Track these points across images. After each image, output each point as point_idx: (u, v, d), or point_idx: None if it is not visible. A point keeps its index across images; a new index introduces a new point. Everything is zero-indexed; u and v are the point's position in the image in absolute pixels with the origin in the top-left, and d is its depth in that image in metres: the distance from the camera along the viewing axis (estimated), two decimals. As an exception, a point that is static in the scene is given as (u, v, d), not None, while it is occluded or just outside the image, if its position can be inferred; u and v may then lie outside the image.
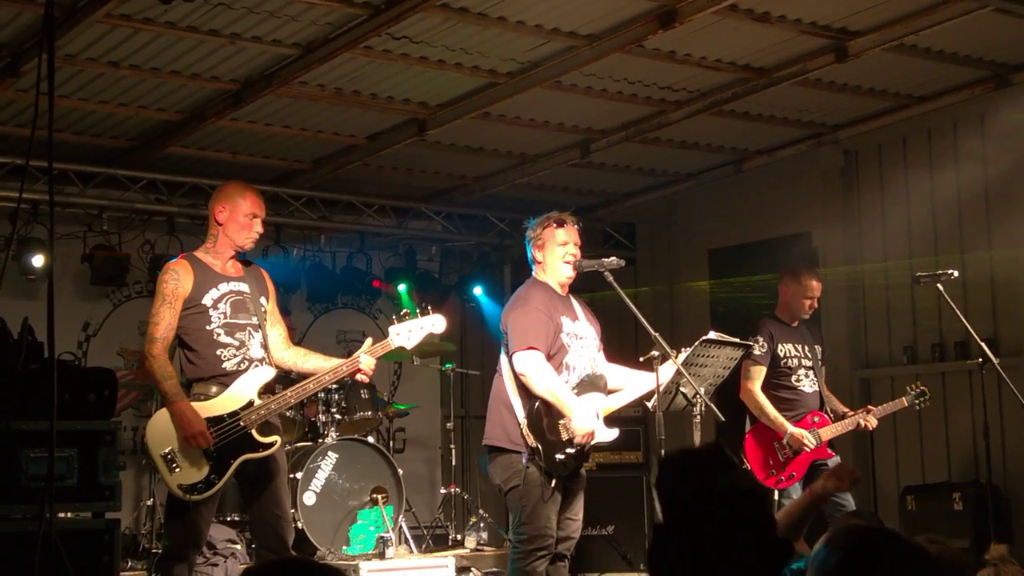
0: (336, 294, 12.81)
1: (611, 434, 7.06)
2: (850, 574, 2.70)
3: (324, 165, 11.64)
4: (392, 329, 6.89)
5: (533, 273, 7.24)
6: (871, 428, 8.81)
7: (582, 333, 7.10)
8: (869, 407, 8.79)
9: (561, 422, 6.76)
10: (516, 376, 6.87)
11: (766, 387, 8.55)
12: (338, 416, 10.13)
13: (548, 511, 6.82)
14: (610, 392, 7.20)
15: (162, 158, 11.06)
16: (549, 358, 6.86)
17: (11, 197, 9.75)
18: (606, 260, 7.16)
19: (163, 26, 8.23)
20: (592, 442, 6.90)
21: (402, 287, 12.66)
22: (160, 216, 11.44)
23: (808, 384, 8.66)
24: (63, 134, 10.21)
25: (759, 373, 8.56)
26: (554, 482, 6.80)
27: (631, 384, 7.29)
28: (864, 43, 8.82)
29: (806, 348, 8.71)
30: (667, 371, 6.93)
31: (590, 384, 7.01)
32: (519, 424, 6.82)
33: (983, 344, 8.41)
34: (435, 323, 6.94)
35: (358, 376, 6.83)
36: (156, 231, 11.53)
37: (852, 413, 8.73)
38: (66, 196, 10.72)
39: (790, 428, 8.43)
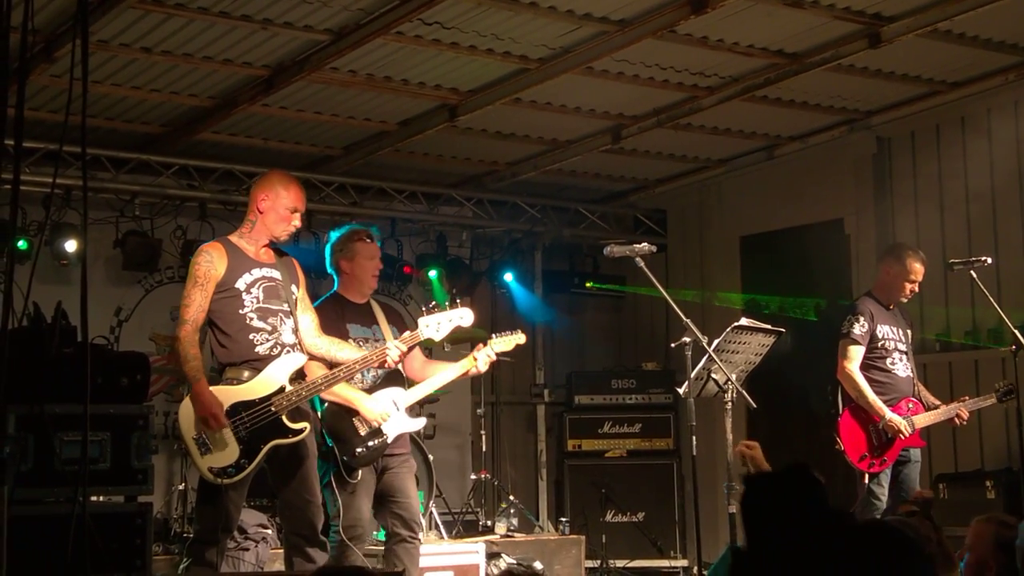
0: (367, 280, 12.81)
1: (416, 424, 7.49)
2: None
3: (355, 151, 11.64)
4: (421, 321, 6.99)
5: (336, 284, 7.56)
6: (964, 421, 8.69)
7: (379, 335, 7.42)
8: (965, 397, 8.70)
9: (355, 417, 7.13)
10: None
11: (860, 368, 8.44)
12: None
13: (356, 504, 7.14)
14: (412, 385, 7.47)
15: (194, 144, 11.09)
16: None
17: (44, 182, 9.73)
18: (637, 246, 7.19)
19: (196, 12, 8.25)
20: (396, 432, 7.24)
21: (433, 273, 12.66)
22: (192, 202, 11.46)
23: (902, 368, 8.55)
24: (96, 120, 10.26)
25: (858, 353, 8.42)
26: (359, 475, 7.11)
27: (432, 376, 7.54)
28: (897, 28, 8.77)
29: (900, 331, 8.62)
30: (493, 347, 7.41)
31: (387, 381, 7.31)
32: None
33: (1016, 331, 8.38)
34: (463, 316, 7.05)
35: (386, 363, 6.94)
36: (188, 217, 11.55)
37: (943, 404, 8.64)
38: (99, 182, 10.76)
39: (888, 414, 8.29)
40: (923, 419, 8.47)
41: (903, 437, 8.32)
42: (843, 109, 10.86)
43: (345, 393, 7.08)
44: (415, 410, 7.60)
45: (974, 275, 8.44)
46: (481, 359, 7.37)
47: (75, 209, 10.55)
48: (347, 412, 7.10)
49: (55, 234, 10.57)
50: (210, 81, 9.66)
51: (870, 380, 8.41)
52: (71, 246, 10.62)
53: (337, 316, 7.29)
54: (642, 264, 7.12)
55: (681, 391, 7.30)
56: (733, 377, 7.19)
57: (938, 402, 8.68)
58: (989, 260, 8.54)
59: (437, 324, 6.99)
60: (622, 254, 7.20)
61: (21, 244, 10.29)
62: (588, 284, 13.55)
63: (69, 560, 4.57)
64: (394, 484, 7.29)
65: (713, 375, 7.22)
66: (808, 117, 11.06)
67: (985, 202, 10.43)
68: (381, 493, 7.27)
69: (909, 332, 8.72)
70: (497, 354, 7.43)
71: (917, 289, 8.66)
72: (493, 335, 7.51)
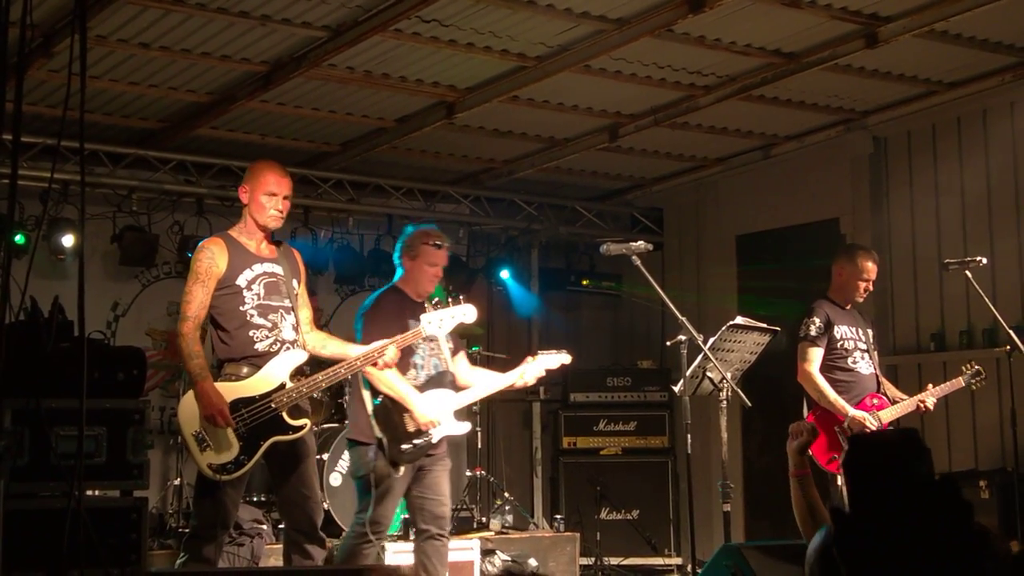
0: (363, 276, 12.82)
1: (462, 428, 7.43)
2: None
3: (353, 148, 11.65)
4: (424, 317, 6.97)
5: (396, 276, 7.53)
6: (930, 410, 8.68)
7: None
8: (929, 386, 8.70)
9: (406, 415, 7.11)
10: (364, 373, 7.15)
11: (823, 370, 8.45)
12: (365, 398, 10.15)
13: (389, 501, 7.17)
14: (460, 389, 7.47)
15: (192, 139, 11.10)
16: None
17: (42, 177, 9.76)
18: (634, 244, 7.20)
19: (194, 7, 8.25)
20: (442, 434, 7.24)
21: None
22: (189, 197, 11.47)
23: (864, 366, 8.55)
24: (94, 115, 10.27)
25: (816, 355, 8.42)
26: (401, 471, 7.11)
27: (482, 383, 7.57)
28: (895, 29, 8.78)
29: (860, 331, 8.64)
30: (542, 362, 7.45)
31: (436, 381, 7.33)
32: (369, 417, 7.14)
33: (1011, 332, 8.39)
34: (466, 313, 7.04)
35: (378, 363, 6.90)
36: (185, 212, 11.56)
37: (907, 396, 8.65)
38: (96, 177, 10.77)
39: (851, 411, 8.28)
40: (888, 413, 8.47)
41: (870, 430, 8.31)
42: (840, 109, 10.87)
43: (401, 390, 7.08)
44: (461, 414, 7.57)
45: (969, 275, 8.44)
46: (530, 374, 7.42)
47: (73, 204, 10.55)
48: (399, 407, 7.09)
49: (52, 229, 10.57)
50: (208, 77, 9.67)
51: (833, 381, 8.42)
52: (68, 241, 10.63)
53: (399, 309, 7.27)
54: (638, 262, 7.13)
55: (676, 389, 7.31)
56: (728, 375, 7.21)
57: (905, 396, 8.68)
58: (984, 260, 8.55)
59: (440, 320, 6.96)
60: (618, 252, 7.21)
61: (19, 239, 10.32)
62: (584, 282, 13.56)
63: (65, 554, 4.58)
64: (428, 481, 7.29)
65: (708, 373, 7.24)
66: (805, 117, 11.07)
67: (981, 202, 10.44)
68: (414, 489, 7.27)
69: (870, 331, 8.72)
70: (546, 371, 7.47)
71: (872, 288, 8.66)
72: (540, 352, 7.56)
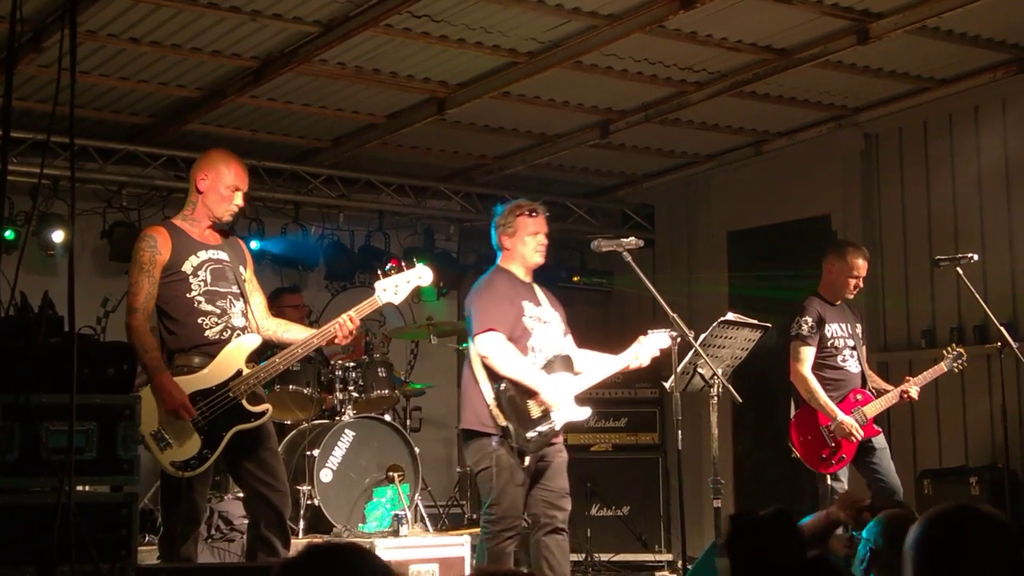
0: (354, 272, 12.82)
1: (583, 413, 7.20)
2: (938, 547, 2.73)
3: (343, 143, 11.64)
4: (378, 285, 6.76)
5: (498, 259, 7.36)
6: (915, 399, 8.69)
7: (546, 317, 7.27)
8: (908, 378, 8.70)
9: (530, 400, 6.94)
10: (481, 358, 6.98)
11: (813, 368, 8.46)
12: (355, 394, 10.14)
13: (517, 492, 6.98)
14: (576, 374, 7.28)
15: (182, 135, 11.08)
16: (513, 341, 6.99)
17: (32, 172, 9.75)
18: (625, 240, 7.19)
19: (184, 2, 8.23)
20: (564, 419, 7.04)
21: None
22: (179, 193, 11.40)
23: (852, 364, 8.57)
24: (84, 110, 10.24)
25: (809, 354, 8.43)
26: (527, 461, 6.93)
27: (597, 366, 7.38)
28: (886, 25, 8.78)
29: (848, 327, 8.64)
30: (654, 341, 7.14)
31: (557, 364, 7.15)
32: (488, 406, 6.95)
33: (1002, 328, 8.42)
34: (421, 275, 6.81)
35: (336, 340, 6.66)
36: (175, 208, 11.45)
37: (892, 388, 8.66)
38: (86, 172, 10.74)
39: (839, 416, 8.30)
40: (873, 408, 8.49)
41: (854, 440, 8.33)
42: (831, 105, 10.87)
43: (527, 372, 6.93)
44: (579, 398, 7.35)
45: (960, 272, 8.46)
46: (645, 355, 7.26)
47: (62, 199, 10.54)
48: (523, 394, 6.94)
49: (42, 224, 10.57)
50: (198, 72, 9.65)
51: (822, 379, 8.44)
52: (58, 236, 10.62)
53: (511, 289, 7.14)
54: (629, 259, 7.12)
55: (667, 385, 7.31)
56: (719, 372, 7.20)
57: (889, 387, 8.69)
58: (975, 257, 8.57)
59: (395, 287, 6.74)
60: (609, 248, 7.20)
61: (8, 234, 10.30)
62: (575, 278, 13.55)
63: (55, 550, 4.57)
64: (549, 472, 7.14)
65: (699, 370, 7.23)
66: (796, 113, 11.07)
67: (972, 199, 10.46)
68: (534, 480, 7.12)
69: (859, 326, 8.73)
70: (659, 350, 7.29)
71: (862, 285, 8.68)
72: (649, 330, 7.32)
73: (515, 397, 6.93)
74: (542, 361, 7.10)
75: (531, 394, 6.95)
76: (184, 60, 9.34)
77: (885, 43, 9.02)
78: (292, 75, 9.58)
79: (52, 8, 8.23)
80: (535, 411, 6.95)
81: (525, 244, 7.25)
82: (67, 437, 4.75)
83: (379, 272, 6.88)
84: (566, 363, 7.22)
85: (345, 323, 6.60)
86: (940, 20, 8.70)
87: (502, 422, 6.88)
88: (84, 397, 5.13)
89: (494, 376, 6.95)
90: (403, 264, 6.90)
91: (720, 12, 8.53)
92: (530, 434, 6.90)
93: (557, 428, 7.05)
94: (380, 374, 10.48)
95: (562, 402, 6.99)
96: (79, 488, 5.53)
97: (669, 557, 11.79)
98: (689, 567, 7.59)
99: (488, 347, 6.94)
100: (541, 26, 8.83)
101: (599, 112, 10.95)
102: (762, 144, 11.99)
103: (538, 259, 7.28)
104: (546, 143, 11.83)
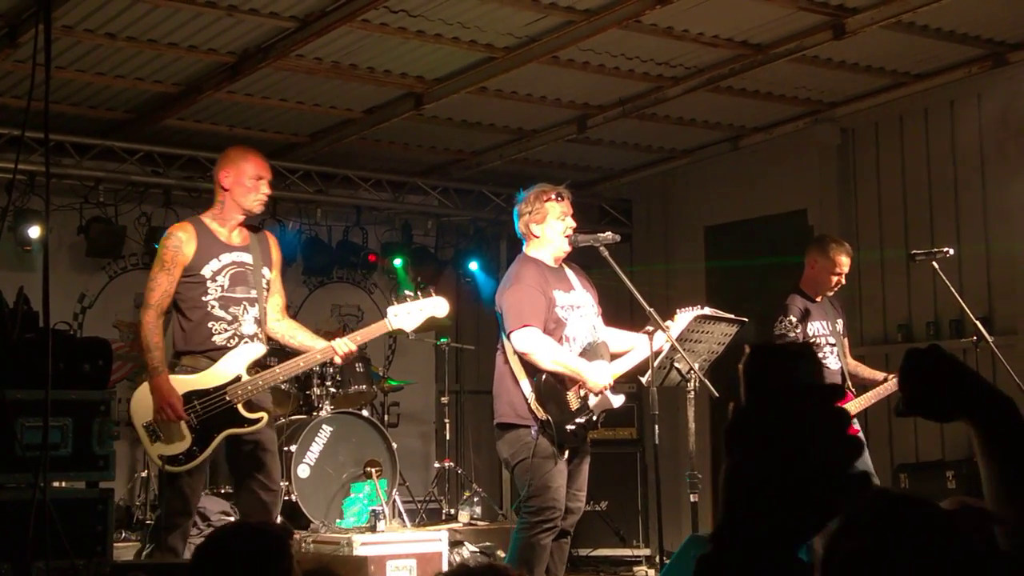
0: (332, 268, 12.83)
1: (619, 400, 7.13)
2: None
3: (321, 139, 11.63)
4: (391, 310, 6.88)
5: (524, 248, 7.26)
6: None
7: (578, 302, 7.16)
8: (888, 375, 8.70)
9: (569, 392, 6.85)
10: (518, 354, 6.90)
11: None
12: (333, 389, 10.15)
13: (557, 483, 6.86)
14: (613, 358, 7.20)
15: (159, 130, 11.05)
16: (548, 335, 6.90)
17: (7, 168, 9.73)
18: (601, 235, 7.17)
19: (160, -3, 8.23)
20: (602, 408, 6.97)
21: (398, 262, 12.68)
22: (156, 188, 11.43)
23: (832, 361, 8.54)
24: (60, 105, 10.20)
25: None
26: (566, 453, 6.88)
27: (629, 351, 7.30)
28: (862, 20, 8.81)
29: (829, 324, 8.63)
30: (659, 340, 7.03)
31: (592, 353, 7.06)
32: (526, 399, 6.87)
33: (978, 323, 8.44)
34: (437, 306, 6.93)
35: (334, 359, 6.85)
36: (152, 203, 11.53)
37: (883, 374, 8.65)
38: (62, 168, 10.71)
39: None
40: (854, 406, 8.48)
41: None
42: (807, 100, 10.90)
43: (572, 363, 6.84)
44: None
45: (936, 266, 8.47)
46: (675, 332, 7.09)
47: (38, 195, 10.51)
48: (561, 385, 6.86)
49: (18, 220, 10.53)
50: (175, 67, 9.63)
51: None
52: (34, 232, 10.58)
53: (541, 279, 7.01)
54: (606, 253, 7.11)
55: (644, 380, 7.31)
56: (696, 366, 7.21)
57: (880, 375, 8.67)
58: (951, 251, 8.58)
59: (407, 313, 6.86)
60: (586, 243, 7.18)
61: (-16, 230, 10.25)
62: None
63: (30, 546, 4.56)
64: (571, 471, 7.04)
65: (676, 364, 7.24)
66: (773, 108, 11.10)
67: (948, 194, 10.49)
68: None
69: (840, 321, 8.72)
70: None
71: (844, 281, 8.66)
72: (678, 310, 7.28)
73: (556, 389, 6.86)
74: (578, 350, 7.01)
75: (569, 385, 6.88)
76: (161, 55, 9.32)
77: (861, 38, 9.04)
78: (269, 70, 9.56)
79: (27, 3, 8.20)
80: (574, 402, 6.88)
81: (555, 229, 7.13)
82: (42, 433, 4.75)
83: (393, 298, 6.93)
84: (600, 351, 7.12)
85: (348, 347, 6.76)
86: (915, 15, 8.74)
87: (542, 416, 6.81)
88: (59, 393, 5.14)
89: (531, 370, 6.88)
90: (419, 292, 6.98)
91: (696, 7, 8.54)
92: (570, 426, 6.84)
93: (595, 418, 6.98)
94: (358, 369, 10.49)
95: (607, 383, 6.90)
96: (54, 484, 5.53)
97: (647, 552, 11.79)
98: (667, 561, 7.60)
99: (526, 343, 6.83)
100: (518, 21, 8.83)
101: (576, 107, 10.95)
102: (739, 139, 12.02)
103: (568, 246, 7.17)
104: (523, 138, 11.83)
